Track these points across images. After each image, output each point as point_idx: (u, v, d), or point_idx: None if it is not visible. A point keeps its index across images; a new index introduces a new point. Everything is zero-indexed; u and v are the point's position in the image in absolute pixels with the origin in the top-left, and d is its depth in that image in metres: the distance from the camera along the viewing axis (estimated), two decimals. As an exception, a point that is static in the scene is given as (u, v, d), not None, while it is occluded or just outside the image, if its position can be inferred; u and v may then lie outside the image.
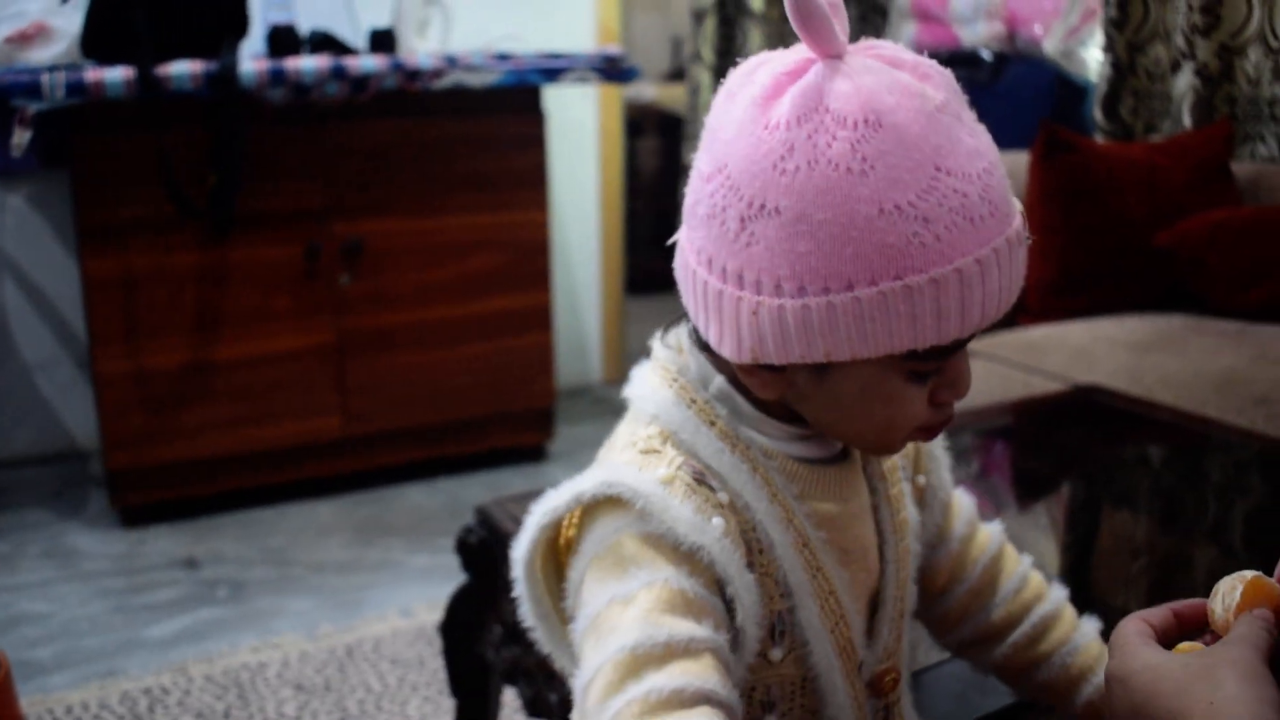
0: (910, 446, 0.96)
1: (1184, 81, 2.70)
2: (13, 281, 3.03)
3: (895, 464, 0.93)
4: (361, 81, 2.68)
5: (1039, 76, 3.22)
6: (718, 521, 0.79)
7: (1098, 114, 2.85)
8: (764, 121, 0.74)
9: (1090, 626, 0.99)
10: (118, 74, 2.46)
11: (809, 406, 0.82)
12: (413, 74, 2.74)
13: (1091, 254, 2.44)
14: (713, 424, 0.83)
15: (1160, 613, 0.72)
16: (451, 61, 2.80)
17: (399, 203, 2.90)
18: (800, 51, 0.76)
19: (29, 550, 2.65)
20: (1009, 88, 3.26)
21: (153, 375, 2.72)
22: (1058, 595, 1.00)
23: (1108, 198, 2.44)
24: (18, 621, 2.30)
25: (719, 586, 0.79)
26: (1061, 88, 3.19)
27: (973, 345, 0.80)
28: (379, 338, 2.94)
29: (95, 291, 2.64)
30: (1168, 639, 0.71)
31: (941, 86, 0.74)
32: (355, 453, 2.99)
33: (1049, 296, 2.44)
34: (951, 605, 0.99)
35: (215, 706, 2.00)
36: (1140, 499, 1.61)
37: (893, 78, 0.73)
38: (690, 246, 0.80)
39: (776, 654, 0.83)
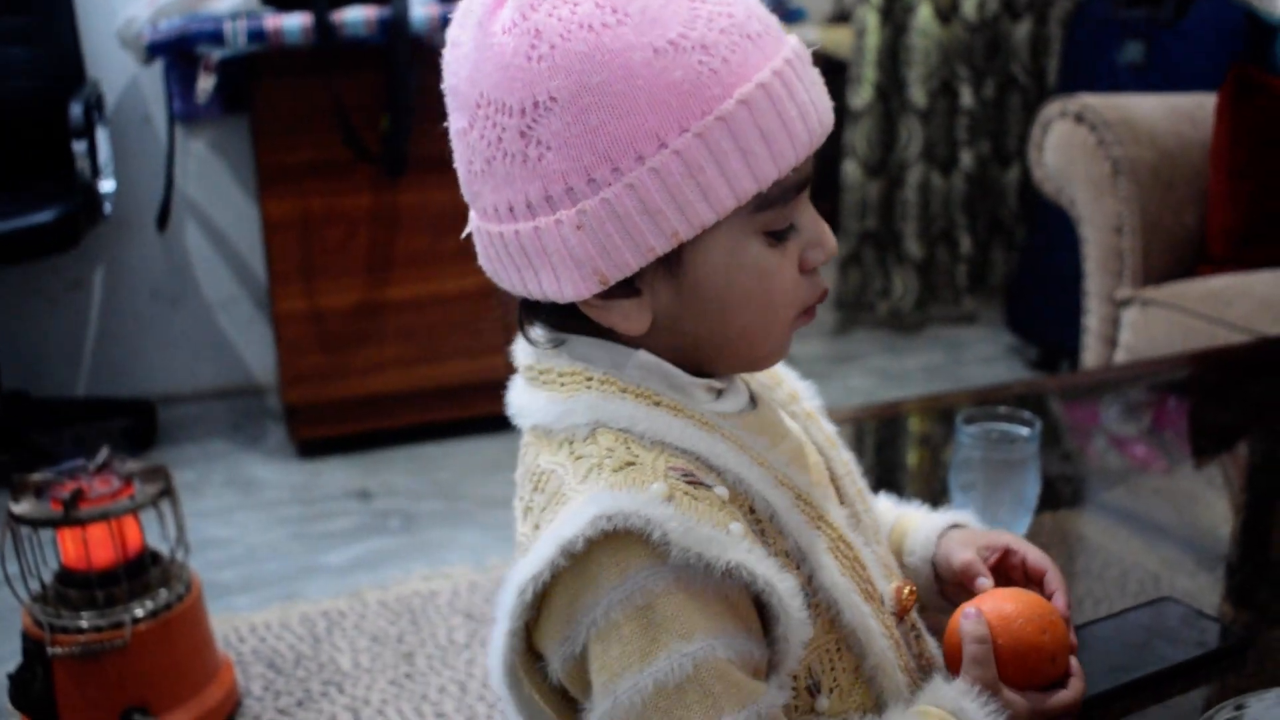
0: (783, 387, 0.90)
1: (1388, 18, 2.55)
2: (196, 224, 3.16)
3: (791, 391, 0.89)
4: (530, 26, 2.70)
5: (1226, 14, 3.07)
6: (736, 528, 0.68)
7: (1290, 54, 2.72)
8: (496, 31, 0.70)
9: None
10: (295, 20, 2.53)
11: (682, 324, 0.74)
12: (580, 18, 2.75)
13: (1281, 200, 2.33)
14: (658, 404, 0.73)
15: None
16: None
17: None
18: None
19: (213, 479, 2.79)
20: (1193, 27, 3.12)
21: (328, 314, 2.81)
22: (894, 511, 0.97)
23: (1300, 141, 2.33)
24: (204, 545, 2.42)
25: (752, 607, 0.69)
26: (1251, 26, 3.03)
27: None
28: (543, 280, 2.97)
29: (274, 233, 2.74)
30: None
31: None
32: (519, 393, 3.04)
33: (1235, 244, 2.34)
34: None
35: (389, 630, 2.08)
36: (1331, 455, 1.55)
37: None
38: (484, 218, 0.76)
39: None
